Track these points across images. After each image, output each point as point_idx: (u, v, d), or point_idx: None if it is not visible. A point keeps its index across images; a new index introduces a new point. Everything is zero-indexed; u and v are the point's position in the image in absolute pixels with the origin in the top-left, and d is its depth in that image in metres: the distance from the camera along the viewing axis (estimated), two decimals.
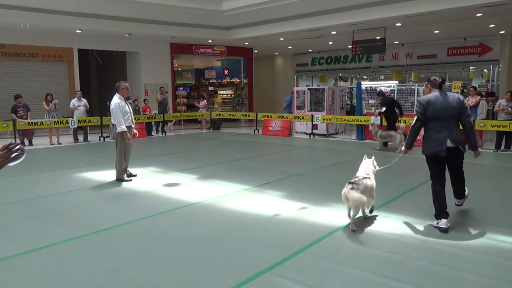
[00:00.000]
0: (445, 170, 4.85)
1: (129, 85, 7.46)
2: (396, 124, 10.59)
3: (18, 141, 11.53)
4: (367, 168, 5.08)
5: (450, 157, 4.73)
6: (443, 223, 4.36)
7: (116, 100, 6.80)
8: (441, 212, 4.49)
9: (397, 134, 10.10)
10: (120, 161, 6.91)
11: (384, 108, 10.75)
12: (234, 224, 4.67)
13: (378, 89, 13.82)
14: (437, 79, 4.72)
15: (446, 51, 17.35)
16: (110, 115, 7.27)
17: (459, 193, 5.06)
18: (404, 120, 11.58)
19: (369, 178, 4.80)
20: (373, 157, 5.41)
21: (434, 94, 4.66)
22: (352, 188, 4.40)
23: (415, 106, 6.13)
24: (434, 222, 4.50)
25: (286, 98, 16.31)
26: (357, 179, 4.65)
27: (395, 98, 12.56)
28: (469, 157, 9.25)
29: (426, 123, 4.85)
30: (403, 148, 5.23)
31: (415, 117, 4.89)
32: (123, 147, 6.89)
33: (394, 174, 7.80)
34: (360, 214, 4.61)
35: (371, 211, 4.86)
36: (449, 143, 4.60)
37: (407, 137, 5.22)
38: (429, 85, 4.81)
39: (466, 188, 5.02)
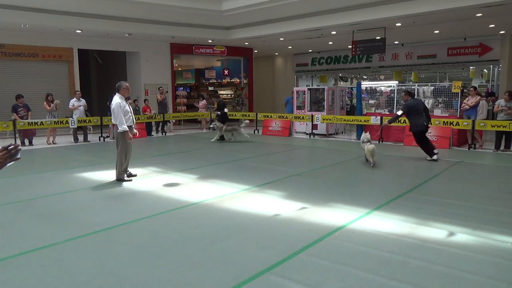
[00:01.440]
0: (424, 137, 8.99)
1: (129, 85, 7.47)
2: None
3: (18, 141, 11.54)
4: (366, 136, 8.68)
5: (424, 130, 8.88)
6: (436, 154, 8.71)
7: (117, 100, 6.81)
8: (433, 149, 8.84)
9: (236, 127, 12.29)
10: (121, 161, 6.91)
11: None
12: (234, 224, 4.67)
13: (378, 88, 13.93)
14: (410, 91, 9.77)
15: (446, 51, 17.34)
16: (111, 115, 7.27)
17: (430, 152, 8.86)
18: (405, 120, 11.60)
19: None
20: (368, 132, 9.06)
21: (411, 100, 9.10)
22: (371, 144, 8.23)
23: (403, 107, 9.27)
24: (431, 157, 8.74)
25: (286, 98, 16.39)
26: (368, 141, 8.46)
27: (395, 98, 12.58)
28: (469, 157, 9.29)
29: (409, 115, 8.91)
30: (386, 122, 9.86)
31: (401, 111, 9.16)
32: (124, 147, 6.90)
33: (394, 174, 7.81)
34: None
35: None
36: (423, 125, 8.76)
37: (392, 118, 9.67)
38: (407, 95, 9.25)
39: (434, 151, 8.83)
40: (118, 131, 6.82)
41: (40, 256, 3.78)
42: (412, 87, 12.65)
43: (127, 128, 6.79)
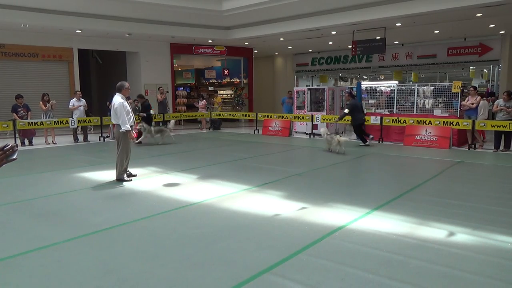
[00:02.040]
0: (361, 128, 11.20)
1: (129, 85, 7.48)
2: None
3: (18, 141, 11.55)
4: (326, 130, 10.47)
5: (362, 123, 11.25)
6: (369, 140, 10.98)
7: (119, 99, 6.82)
8: (368, 134, 11.19)
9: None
10: (122, 161, 6.91)
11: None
12: (234, 224, 4.67)
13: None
14: (352, 93, 12.10)
15: (446, 51, 17.34)
16: (110, 115, 7.26)
17: (364, 139, 11.11)
18: (404, 120, 11.61)
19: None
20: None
21: (353, 100, 11.41)
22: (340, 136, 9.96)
23: (348, 106, 11.28)
24: (364, 143, 10.95)
25: (282, 98, 16.46)
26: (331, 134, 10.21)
27: (395, 98, 12.58)
28: (469, 157, 9.29)
29: (352, 112, 11.03)
30: (336, 119, 11.96)
31: (347, 109, 11.09)
32: (126, 146, 6.91)
33: (394, 174, 7.82)
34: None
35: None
36: (363, 119, 11.17)
37: (340, 115, 11.65)
38: (350, 96, 11.64)
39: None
40: (121, 130, 6.82)
41: (40, 256, 3.78)
42: (412, 87, 12.65)
43: (129, 127, 6.82)
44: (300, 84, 22.90)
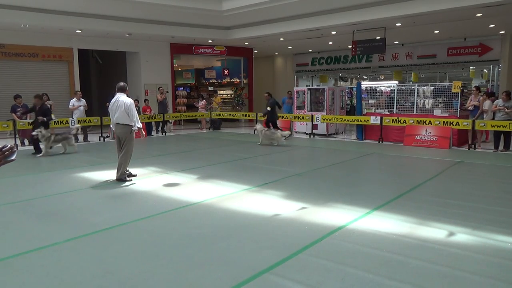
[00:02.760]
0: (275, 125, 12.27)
1: (129, 85, 7.51)
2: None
3: (18, 141, 11.54)
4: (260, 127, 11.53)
5: (276, 120, 12.41)
6: (285, 137, 11.75)
7: (128, 98, 6.91)
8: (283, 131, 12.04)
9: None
10: (126, 161, 6.91)
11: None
12: (234, 224, 4.67)
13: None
14: (270, 93, 12.93)
15: (446, 51, 17.34)
16: (109, 115, 7.25)
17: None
18: (404, 120, 11.61)
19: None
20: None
21: (272, 99, 12.19)
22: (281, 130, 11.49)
23: (270, 104, 12.10)
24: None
25: (282, 99, 16.47)
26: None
27: (395, 98, 12.59)
28: (469, 157, 9.29)
29: (273, 110, 11.89)
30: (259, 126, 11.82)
31: (269, 107, 11.94)
32: (131, 146, 6.96)
33: (394, 174, 7.82)
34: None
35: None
36: (277, 116, 12.53)
37: (264, 113, 12.43)
38: (269, 96, 12.42)
39: None
40: (133, 129, 6.86)
41: (40, 256, 3.78)
42: (412, 87, 12.65)
43: (141, 125, 6.96)
44: (300, 84, 22.89)
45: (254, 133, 12.64)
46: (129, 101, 6.85)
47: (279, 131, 11.66)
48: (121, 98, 6.84)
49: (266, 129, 11.58)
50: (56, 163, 8.91)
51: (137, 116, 6.94)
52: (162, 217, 4.97)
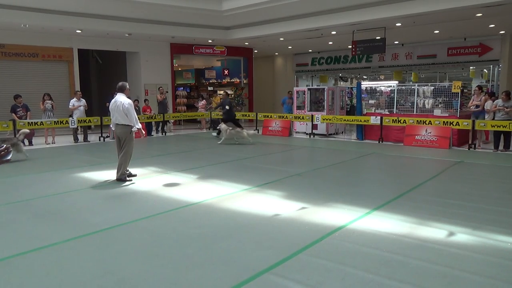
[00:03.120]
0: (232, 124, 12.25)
1: (129, 85, 7.50)
2: None
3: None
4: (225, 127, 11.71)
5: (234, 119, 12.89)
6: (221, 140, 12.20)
7: (127, 99, 6.89)
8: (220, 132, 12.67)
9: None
10: (126, 161, 6.91)
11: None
12: (234, 224, 4.67)
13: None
14: (228, 93, 14.80)
15: (446, 51, 17.33)
16: (110, 115, 7.25)
17: (219, 132, 12.43)
18: (404, 120, 11.61)
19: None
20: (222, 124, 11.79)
21: (228, 99, 13.21)
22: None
23: (227, 103, 12.82)
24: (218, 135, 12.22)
25: (282, 99, 16.48)
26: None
27: (395, 98, 12.59)
28: (469, 157, 9.29)
29: (230, 109, 12.67)
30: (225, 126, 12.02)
31: (227, 106, 12.58)
32: (131, 147, 6.94)
33: (394, 174, 7.82)
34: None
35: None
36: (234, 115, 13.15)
37: (222, 112, 13.09)
38: (226, 95, 13.78)
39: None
40: (133, 129, 6.85)
41: (40, 256, 3.78)
42: (412, 87, 12.65)
43: (140, 125, 6.94)
44: (300, 84, 22.88)
45: (218, 133, 12.69)
46: (127, 102, 6.81)
47: (244, 130, 11.99)
48: (120, 98, 6.85)
49: (230, 128, 11.80)
50: (56, 163, 8.91)
51: (136, 116, 6.93)
52: (162, 217, 4.97)
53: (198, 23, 15.64)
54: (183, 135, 15.16)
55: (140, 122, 7.10)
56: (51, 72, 15.49)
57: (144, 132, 7.02)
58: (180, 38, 16.78)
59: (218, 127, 12.58)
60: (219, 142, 11.77)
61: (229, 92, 20.45)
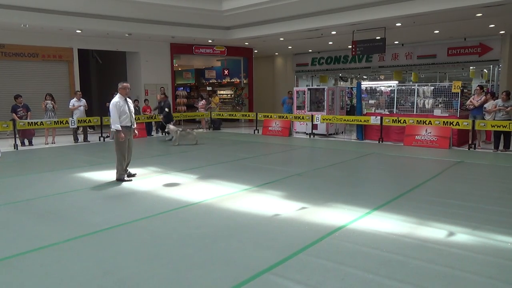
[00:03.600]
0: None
1: (129, 85, 7.41)
2: None
3: (18, 141, 11.52)
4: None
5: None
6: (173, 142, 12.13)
7: (115, 99, 6.83)
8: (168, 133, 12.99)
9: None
10: (119, 160, 6.91)
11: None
12: (234, 224, 4.67)
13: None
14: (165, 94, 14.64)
15: (446, 51, 17.33)
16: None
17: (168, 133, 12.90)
18: (404, 120, 11.61)
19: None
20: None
21: (167, 100, 13.63)
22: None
23: (167, 105, 13.33)
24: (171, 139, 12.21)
25: (282, 99, 16.48)
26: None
27: (395, 98, 12.60)
28: (469, 157, 9.28)
29: (168, 110, 13.21)
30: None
31: (166, 108, 13.19)
32: (118, 146, 6.88)
33: (394, 174, 7.82)
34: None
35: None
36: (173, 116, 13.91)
37: (164, 113, 13.29)
38: (165, 96, 13.62)
39: None
40: (111, 130, 6.88)
41: (40, 256, 3.78)
42: (412, 87, 12.65)
43: (119, 127, 6.73)
44: (300, 84, 22.88)
45: (166, 134, 13.05)
46: (113, 101, 6.80)
47: (194, 130, 12.33)
48: (113, 99, 6.91)
49: (180, 129, 11.93)
50: (56, 163, 8.91)
51: (115, 117, 6.72)
52: (162, 217, 4.97)
53: (198, 23, 15.64)
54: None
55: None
56: (51, 72, 15.49)
57: (122, 135, 6.73)
58: (180, 38, 16.78)
59: (166, 130, 12.63)
60: (176, 144, 11.60)
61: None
